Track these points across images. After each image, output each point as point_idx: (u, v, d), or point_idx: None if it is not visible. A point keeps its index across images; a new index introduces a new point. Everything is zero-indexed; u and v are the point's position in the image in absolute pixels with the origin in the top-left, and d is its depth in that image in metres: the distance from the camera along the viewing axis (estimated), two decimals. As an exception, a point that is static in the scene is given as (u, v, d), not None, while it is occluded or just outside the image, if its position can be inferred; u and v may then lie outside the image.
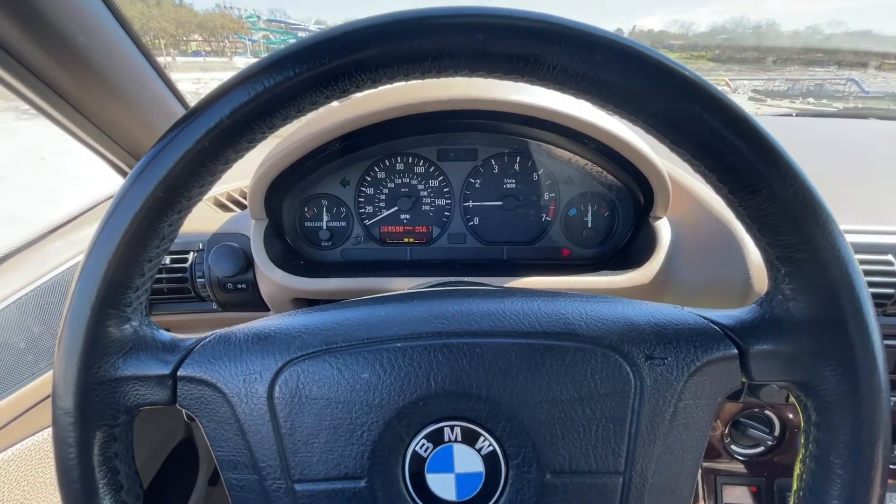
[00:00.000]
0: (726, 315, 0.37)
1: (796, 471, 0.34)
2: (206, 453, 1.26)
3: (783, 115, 1.56)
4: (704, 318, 0.37)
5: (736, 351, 0.35)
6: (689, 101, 0.28)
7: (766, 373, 0.34)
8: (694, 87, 0.28)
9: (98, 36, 0.67)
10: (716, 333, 0.36)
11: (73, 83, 0.67)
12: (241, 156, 0.32)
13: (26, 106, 0.69)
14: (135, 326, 0.34)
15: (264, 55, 0.29)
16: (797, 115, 1.55)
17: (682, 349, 0.35)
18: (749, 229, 0.32)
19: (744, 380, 0.36)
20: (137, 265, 0.32)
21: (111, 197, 0.90)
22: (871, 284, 0.74)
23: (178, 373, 0.35)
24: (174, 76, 0.85)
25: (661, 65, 0.28)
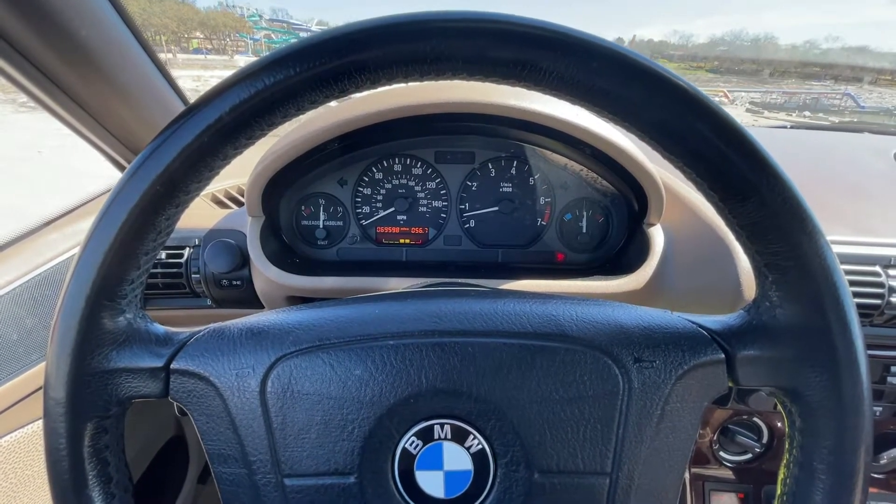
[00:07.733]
0: (714, 320, 0.38)
1: (780, 476, 0.34)
2: (197, 450, 1.25)
3: (778, 127, 1.57)
4: (693, 322, 0.37)
5: (723, 355, 0.35)
6: (682, 109, 0.29)
7: (752, 378, 0.35)
8: (687, 95, 0.28)
9: (100, 30, 0.67)
10: (703, 338, 0.36)
11: (73, 76, 0.67)
12: (240, 152, 0.32)
13: (24, 98, 0.69)
14: (129, 319, 0.34)
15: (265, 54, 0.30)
16: (792, 128, 1.57)
17: (671, 353, 0.36)
18: (738, 237, 0.32)
19: (730, 384, 0.36)
20: (134, 258, 0.32)
21: (108, 191, 0.90)
22: (858, 295, 0.75)
23: (171, 366, 0.35)
24: (175, 73, 0.85)
25: (656, 73, 0.28)
